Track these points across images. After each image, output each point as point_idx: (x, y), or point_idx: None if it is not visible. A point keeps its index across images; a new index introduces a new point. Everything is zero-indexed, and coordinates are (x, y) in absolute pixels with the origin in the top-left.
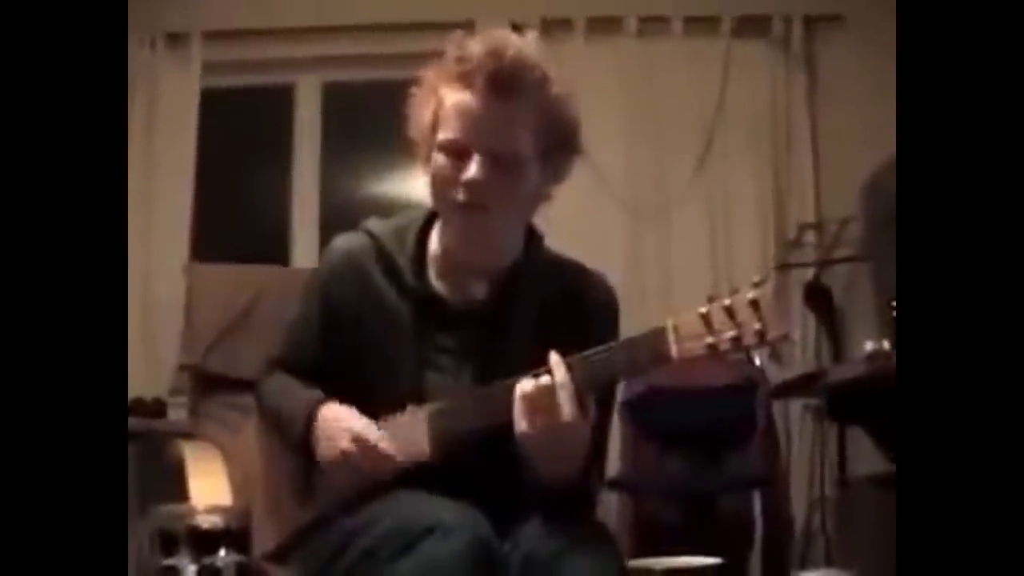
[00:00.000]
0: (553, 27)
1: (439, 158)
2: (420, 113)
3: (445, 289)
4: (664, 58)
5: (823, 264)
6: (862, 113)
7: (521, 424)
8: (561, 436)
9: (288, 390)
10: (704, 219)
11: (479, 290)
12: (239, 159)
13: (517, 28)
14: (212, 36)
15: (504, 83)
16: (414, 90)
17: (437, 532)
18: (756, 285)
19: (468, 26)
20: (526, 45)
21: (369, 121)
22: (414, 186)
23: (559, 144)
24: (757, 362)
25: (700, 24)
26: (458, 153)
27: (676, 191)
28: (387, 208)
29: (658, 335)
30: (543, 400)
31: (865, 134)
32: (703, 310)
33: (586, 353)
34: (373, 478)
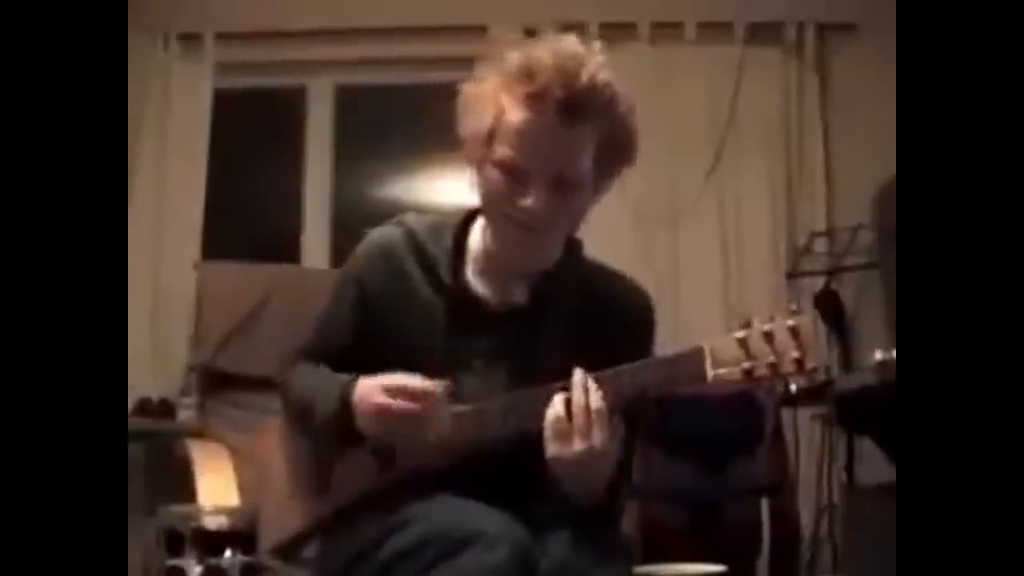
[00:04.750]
0: (566, 32)
1: (495, 173)
2: (476, 118)
3: (482, 289)
4: (677, 64)
5: (834, 272)
6: (874, 121)
7: (551, 448)
8: (591, 461)
9: (320, 374)
10: (715, 225)
11: (518, 293)
12: (251, 159)
13: (531, 33)
14: (225, 37)
15: (575, 109)
16: (468, 87)
17: (482, 541)
18: (795, 313)
19: (480, 31)
20: (598, 63)
21: (381, 123)
22: (425, 187)
23: (618, 157)
24: (793, 389)
25: (713, 30)
26: (518, 174)
27: (687, 197)
28: (398, 209)
29: (694, 356)
30: (574, 424)
31: (877, 142)
32: (740, 335)
33: (618, 369)
34: (419, 424)
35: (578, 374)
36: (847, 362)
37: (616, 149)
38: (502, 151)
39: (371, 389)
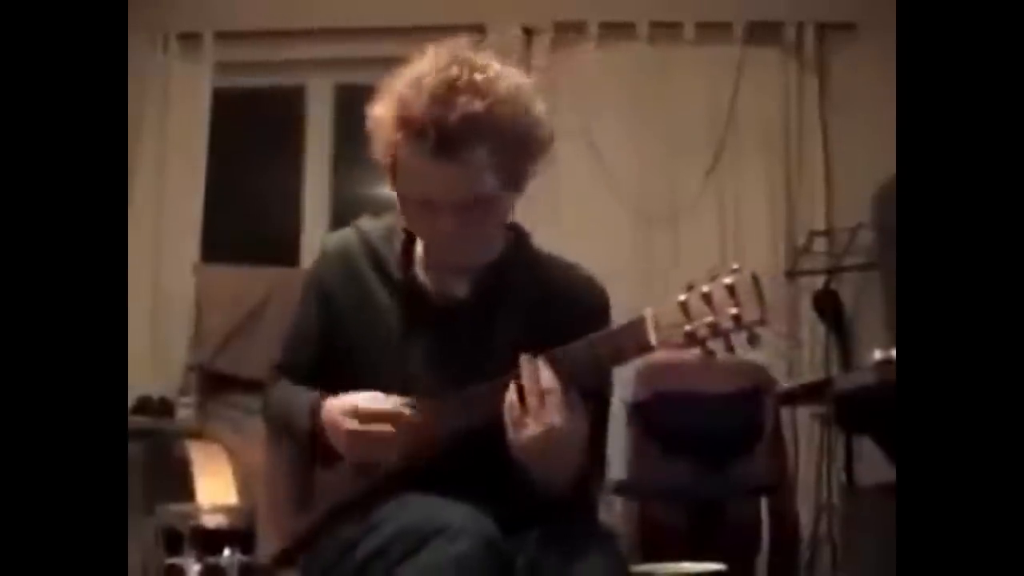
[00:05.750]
0: (565, 31)
1: (404, 202)
2: (379, 150)
3: (429, 285)
4: (676, 64)
5: (833, 272)
6: (873, 120)
7: (511, 434)
8: (552, 442)
9: (291, 395)
10: (714, 225)
11: (461, 287)
12: (251, 159)
13: (528, 32)
14: (224, 37)
15: (452, 144)
16: (371, 111)
17: (445, 534)
18: (734, 271)
19: (479, 30)
20: (476, 87)
21: None
22: None
23: (527, 159)
24: (737, 350)
25: (712, 30)
26: (424, 204)
27: (686, 197)
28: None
29: (637, 325)
30: (528, 406)
31: (876, 141)
32: (682, 298)
33: (565, 348)
34: (386, 449)
35: (525, 358)
36: (847, 362)
37: (521, 155)
38: (405, 188)
39: (340, 415)
